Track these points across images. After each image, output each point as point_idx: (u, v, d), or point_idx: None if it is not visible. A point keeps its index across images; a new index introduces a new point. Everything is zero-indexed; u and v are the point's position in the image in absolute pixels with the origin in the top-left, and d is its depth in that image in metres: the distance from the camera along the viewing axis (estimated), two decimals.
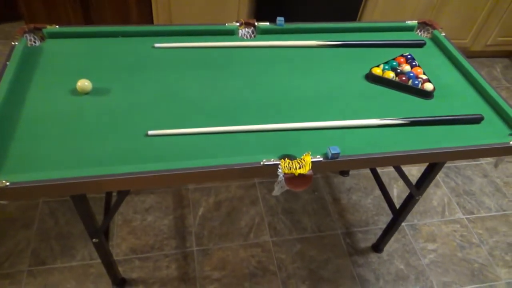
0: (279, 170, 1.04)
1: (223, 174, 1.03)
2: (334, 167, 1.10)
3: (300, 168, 1.03)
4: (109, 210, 1.39)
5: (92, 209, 1.87)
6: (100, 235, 1.35)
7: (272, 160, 1.04)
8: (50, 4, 2.33)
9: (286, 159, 1.04)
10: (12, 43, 1.31)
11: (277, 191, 1.10)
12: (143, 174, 0.97)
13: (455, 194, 2.22)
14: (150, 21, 2.49)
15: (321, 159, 1.06)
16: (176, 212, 1.96)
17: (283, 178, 1.04)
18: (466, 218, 2.11)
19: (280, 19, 1.56)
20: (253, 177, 1.05)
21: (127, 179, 0.98)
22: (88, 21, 2.45)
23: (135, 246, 1.80)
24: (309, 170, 1.03)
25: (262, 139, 1.15)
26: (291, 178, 1.03)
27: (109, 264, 1.52)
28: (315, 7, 2.54)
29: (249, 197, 2.05)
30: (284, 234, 1.92)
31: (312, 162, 1.05)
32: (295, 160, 1.04)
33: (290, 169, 1.02)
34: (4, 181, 0.92)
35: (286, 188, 1.06)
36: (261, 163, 1.03)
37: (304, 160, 1.04)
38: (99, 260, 1.72)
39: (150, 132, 1.11)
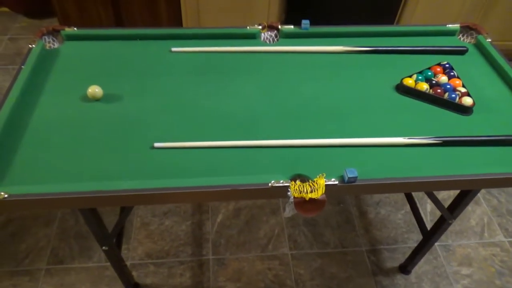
0: (289, 193, 0.95)
1: (228, 194, 0.95)
2: (350, 192, 0.99)
3: (311, 192, 0.93)
4: (124, 210, 1.36)
5: (110, 211, 1.87)
6: (110, 243, 1.33)
7: (281, 181, 0.95)
8: (81, 3, 2.35)
9: (297, 181, 0.95)
10: (29, 45, 1.30)
11: (288, 213, 1.01)
12: (141, 192, 0.92)
13: (496, 213, 2.03)
14: (179, 22, 2.46)
15: (337, 182, 0.96)
16: (194, 218, 1.91)
17: (293, 201, 0.95)
18: (508, 241, 1.91)
19: (305, 22, 1.45)
20: (261, 198, 0.97)
21: (126, 196, 0.93)
22: (118, 21, 2.46)
23: (151, 251, 1.78)
24: (322, 194, 0.94)
25: (274, 156, 1.06)
26: (301, 203, 0.94)
27: (121, 270, 1.50)
28: (350, 10, 2.40)
29: (270, 206, 1.98)
30: (304, 248, 1.83)
31: (326, 185, 0.95)
32: (307, 183, 0.95)
33: (300, 192, 0.93)
34: (2, 193, 0.90)
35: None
36: (270, 184, 0.95)
37: (317, 183, 0.94)
38: None
39: (156, 145, 1.06)
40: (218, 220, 1.91)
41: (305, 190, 0.93)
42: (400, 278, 1.75)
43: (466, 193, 1.28)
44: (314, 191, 0.93)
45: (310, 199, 0.93)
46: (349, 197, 2.04)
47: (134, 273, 1.70)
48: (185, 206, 1.95)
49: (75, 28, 1.39)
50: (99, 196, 0.93)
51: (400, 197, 2.06)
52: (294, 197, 0.94)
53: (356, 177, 0.95)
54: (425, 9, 2.45)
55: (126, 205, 0.96)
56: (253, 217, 1.93)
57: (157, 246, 1.80)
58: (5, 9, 3.06)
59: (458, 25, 1.53)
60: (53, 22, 3.09)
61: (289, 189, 0.94)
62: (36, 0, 2.89)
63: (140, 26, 2.38)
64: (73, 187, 0.94)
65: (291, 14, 2.40)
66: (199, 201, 0.96)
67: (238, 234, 1.86)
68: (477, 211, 2.03)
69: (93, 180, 0.98)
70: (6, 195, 0.90)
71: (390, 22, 2.47)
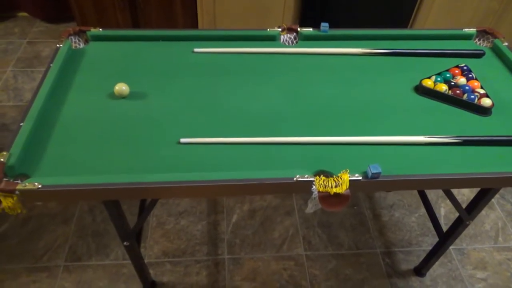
0: (313, 187, 0.97)
1: (254, 188, 0.98)
2: (374, 188, 1.01)
3: (336, 186, 0.95)
4: (144, 210, 1.39)
5: (127, 210, 1.90)
6: (132, 239, 1.35)
7: (306, 176, 0.98)
8: (100, 8, 2.41)
9: (322, 176, 0.97)
10: (57, 45, 1.34)
11: (310, 209, 1.03)
12: (169, 185, 0.95)
13: (511, 218, 2.03)
14: (195, 26, 2.50)
15: (360, 178, 0.98)
16: (209, 218, 1.93)
17: (317, 195, 0.97)
18: None
19: (324, 25, 1.48)
20: (285, 193, 0.99)
21: (154, 189, 0.95)
22: (135, 23, 2.51)
23: (167, 250, 1.80)
24: (346, 189, 0.96)
25: (298, 152, 1.09)
26: (326, 197, 0.96)
27: (140, 267, 1.52)
28: (363, 13, 2.43)
29: (284, 207, 1.99)
30: (319, 249, 1.84)
31: (350, 181, 0.97)
32: (331, 178, 0.97)
33: (325, 187, 0.95)
34: (36, 184, 0.93)
35: (320, 206, 0.99)
36: (294, 179, 0.97)
37: (341, 178, 0.96)
38: None
39: (182, 140, 1.09)
40: (233, 220, 1.93)
41: (329, 185, 0.95)
42: (415, 281, 1.75)
43: (484, 193, 1.29)
44: (339, 186, 0.95)
45: (335, 193, 0.95)
46: (363, 200, 2.05)
47: (151, 271, 1.72)
48: (200, 206, 1.98)
49: (100, 29, 1.43)
50: (128, 188, 0.95)
51: (414, 200, 2.06)
52: (319, 192, 0.96)
53: (380, 172, 0.97)
54: (439, 14, 2.48)
55: (153, 197, 0.99)
56: (267, 218, 1.94)
57: (173, 245, 1.82)
58: (24, 13, 3.13)
59: (475, 29, 1.55)
60: (70, 27, 3.15)
61: (313, 184, 0.97)
62: (54, 6, 2.96)
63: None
64: (101, 179, 0.97)
65: (306, 19, 2.44)
66: (225, 195, 0.98)
67: (253, 234, 1.87)
68: (491, 216, 2.03)
69: (121, 173, 1.00)
70: (40, 185, 0.93)
71: (403, 27, 2.50)
